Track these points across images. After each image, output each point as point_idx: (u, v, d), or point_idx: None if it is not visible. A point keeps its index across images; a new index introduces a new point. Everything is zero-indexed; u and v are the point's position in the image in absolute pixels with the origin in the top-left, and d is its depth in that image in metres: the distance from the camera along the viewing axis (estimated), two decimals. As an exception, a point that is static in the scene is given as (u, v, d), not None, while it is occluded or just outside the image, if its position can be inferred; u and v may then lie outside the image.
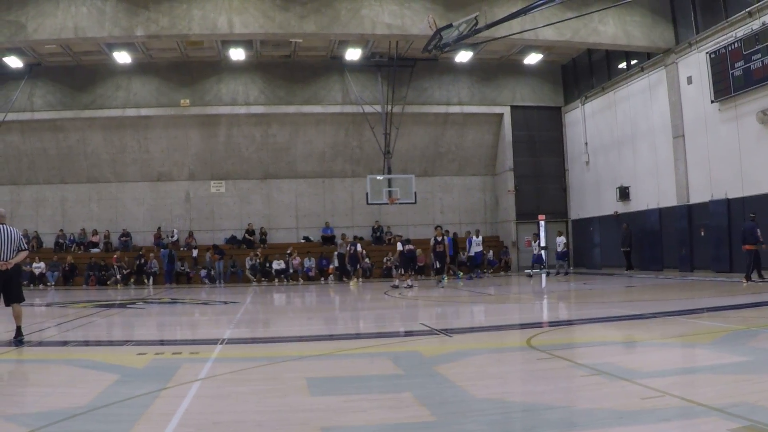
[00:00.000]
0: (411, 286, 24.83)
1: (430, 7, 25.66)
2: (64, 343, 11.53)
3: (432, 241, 25.87)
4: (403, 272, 26.71)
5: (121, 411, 6.17)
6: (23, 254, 11.28)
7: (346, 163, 36.68)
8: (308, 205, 36.65)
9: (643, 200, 30.33)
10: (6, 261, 10.92)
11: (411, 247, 26.42)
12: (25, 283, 30.80)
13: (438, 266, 25.98)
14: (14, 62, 30.85)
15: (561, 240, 31.05)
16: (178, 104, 33.93)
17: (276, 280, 32.58)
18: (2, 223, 11.16)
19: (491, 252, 35.33)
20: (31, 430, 5.45)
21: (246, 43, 31.35)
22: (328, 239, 35.16)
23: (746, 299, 15.45)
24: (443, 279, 26.20)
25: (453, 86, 36.05)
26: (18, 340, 10.97)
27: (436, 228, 26.58)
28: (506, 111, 36.53)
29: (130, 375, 8.14)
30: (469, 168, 37.89)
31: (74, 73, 33.30)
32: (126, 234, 34.70)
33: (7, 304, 11.24)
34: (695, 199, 26.92)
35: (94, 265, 32.12)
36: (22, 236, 11.52)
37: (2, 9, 24.19)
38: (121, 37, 25.58)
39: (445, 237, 26.95)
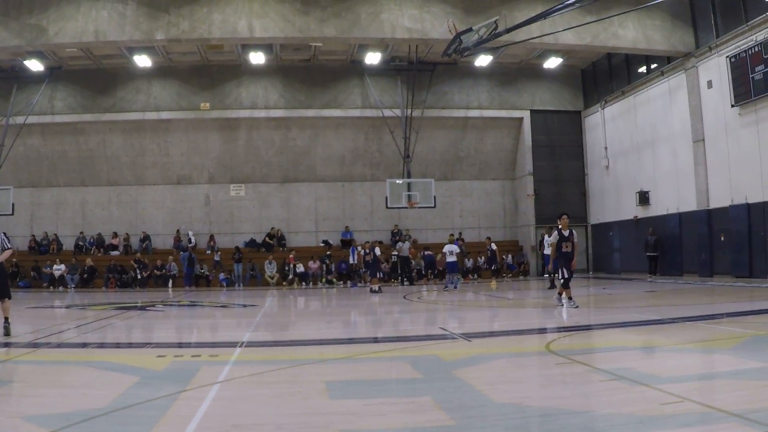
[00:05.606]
0: (378, 291, 25.70)
1: (449, 11, 25.63)
2: (84, 345, 11.61)
3: (554, 237, 16.92)
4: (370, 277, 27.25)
5: (140, 413, 6.22)
6: (6, 253, 12.05)
7: (366, 167, 36.69)
8: (328, 208, 36.68)
9: (662, 205, 30.13)
10: None
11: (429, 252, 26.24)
12: (44, 285, 31.24)
13: (566, 274, 16.45)
14: (35, 65, 30.98)
15: (451, 248, 26.65)
16: (198, 108, 34.08)
17: (295, 283, 32.61)
18: None
19: (510, 256, 35.43)
20: (51, 431, 5.49)
21: (266, 46, 31.41)
22: (348, 243, 35.16)
23: (766, 305, 15.33)
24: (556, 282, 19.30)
25: (473, 90, 35.99)
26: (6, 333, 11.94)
27: (560, 217, 16.81)
28: (526, 115, 36.45)
29: (150, 377, 8.18)
30: (489, 172, 37.80)
31: (95, 76, 33.51)
32: (146, 237, 34.89)
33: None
34: (715, 203, 26.71)
35: (114, 268, 32.33)
36: (5, 236, 12.35)
37: (24, 13, 24.41)
38: (141, 40, 25.72)
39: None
